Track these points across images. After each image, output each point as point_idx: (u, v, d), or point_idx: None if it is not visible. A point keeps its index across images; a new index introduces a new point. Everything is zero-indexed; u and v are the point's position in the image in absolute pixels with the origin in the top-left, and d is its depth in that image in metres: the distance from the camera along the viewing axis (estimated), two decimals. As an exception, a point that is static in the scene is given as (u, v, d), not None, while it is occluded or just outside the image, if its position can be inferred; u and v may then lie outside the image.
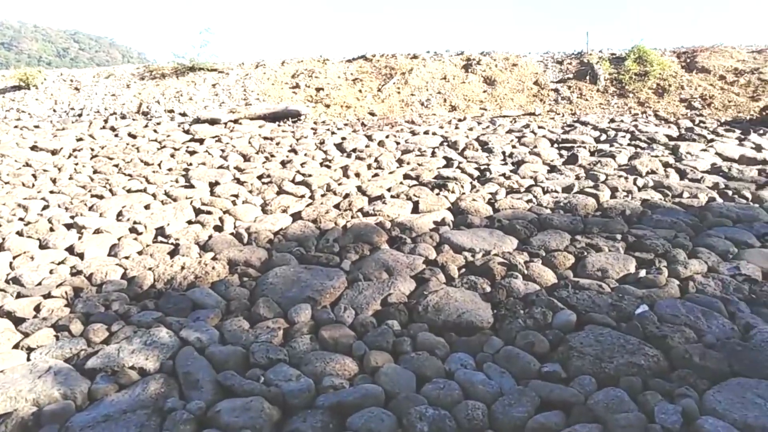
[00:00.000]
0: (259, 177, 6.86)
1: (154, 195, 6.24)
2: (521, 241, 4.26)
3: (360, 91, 12.11)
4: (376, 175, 6.67)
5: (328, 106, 11.59)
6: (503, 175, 6.20)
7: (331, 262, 4.10)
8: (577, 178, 5.85)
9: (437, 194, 5.54)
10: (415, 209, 5.26)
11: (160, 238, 4.90)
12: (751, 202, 4.75)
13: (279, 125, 10.95)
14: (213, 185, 6.56)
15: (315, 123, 10.70)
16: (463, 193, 5.62)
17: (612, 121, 8.90)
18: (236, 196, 6.10)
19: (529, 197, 5.26)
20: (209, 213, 5.46)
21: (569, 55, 12.48)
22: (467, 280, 3.63)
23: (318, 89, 12.47)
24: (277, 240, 4.71)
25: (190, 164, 7.68)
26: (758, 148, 6.62)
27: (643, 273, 3.49)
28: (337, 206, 5.50)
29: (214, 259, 4.33)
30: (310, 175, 6.67)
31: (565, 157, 6.80)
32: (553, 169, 6.33)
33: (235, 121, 11.31)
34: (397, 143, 8.29)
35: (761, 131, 7.50)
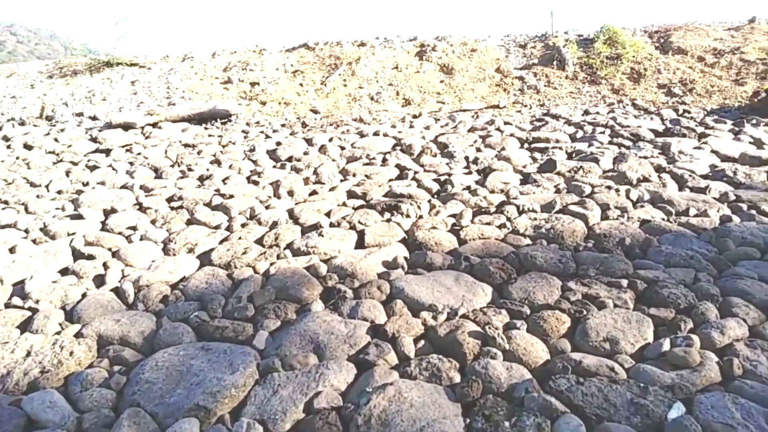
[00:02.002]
0: (169, 200, 5.74)
1: (26, 231, 5.01)
2: (497, 290, 3.35)
3: (301, 84, 11.01)
4: (314, 192, 5.65)
5: (264, 103, 10.46)
6: (468, 188, 5.29)
7: (240, 335, 3.08)
8: (557, 190, 5.00)
9: (388, 220, 4.58)
10: (360, 243, 4.28)
11: (15, 300, 3.75)
12: (776, 220, 3.98)
13: (206, 128, 9.76)
14: (108, 214, 5.38)
15: (248, 124, 9.56)
16: (420, 217, 4.68)
17: (586, 113, 8.14)
18: (134, 228, 4.97)
19: (501, 220, 4.36)
20: (91, 257, 4.30)
21: (533, 38, 11.72)
22: (427, 365, 2.68)
23: (253, 84, 11.30)
24: (173, 298, 3.63)
25: (86, 184, 6.46)
26: (759, 143, 5.94)
27: (667, 344, 2.62)
28: (260, 241, 4.46)
29: (78, 334, 3.22)
30: (231, 196, 5.60)
31: (540, 161, 5.95)
32: (526, 178, 5.46)
33: (154, 125, 10.03)
34: (342, 148, 7.28)
35: (754, 121, 6.86)
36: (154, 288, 3.73)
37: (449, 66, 10.81)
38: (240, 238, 4.50)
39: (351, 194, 5.42)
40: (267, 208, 5.25)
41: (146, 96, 11.59)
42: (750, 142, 6.03)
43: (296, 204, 5.35)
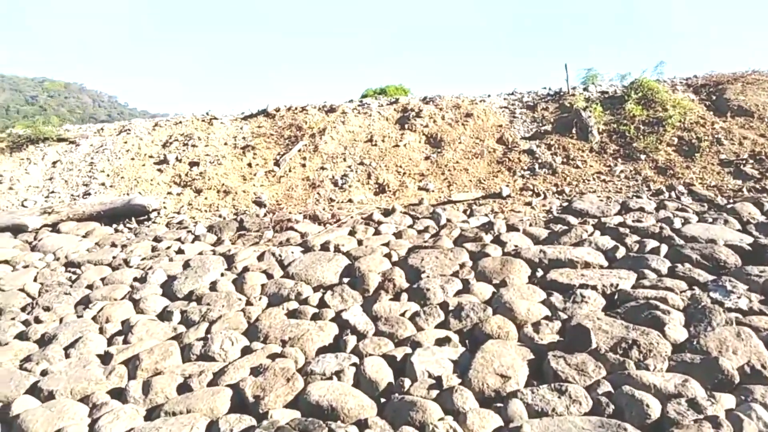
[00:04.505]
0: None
1: None
2: None
3: (249, 165, 9.16)
4: (185, 385, 3.61)
5: (199, 191, 8.58)
6: (437, 385, 3.22)
7: None
8: (596, 406, 2.89)
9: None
10: None
11: None
12: None
13: (116, 230, 7.87)
14: None
15: (168, 225, 7.65)
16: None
17: (625, 208, 6.09)
18: None
19: None
20: None
21: (544, 97, 9.84)
22: None
23: (192, 164, 9.49)
24: None
25: None
26: None
27: None
28: None
29: None
30: (50, 395, 3.60)
31: (561, 312, 3.90)
32: (540, 362, 3.37)
33: (53, 226, 8.18)
34: (269, 276, 5.30)
35: None
36: None
37: (437, 136, 8.92)
38: None
39: (236, 401, 3.34)
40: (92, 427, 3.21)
41: (62, 183, 9.81)
42: None
43: (145, 414, 3.33)
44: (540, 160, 7.78)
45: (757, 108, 7.85)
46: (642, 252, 4.84)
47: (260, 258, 5.82)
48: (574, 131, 8.25)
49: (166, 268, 5.75)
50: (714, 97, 8.49)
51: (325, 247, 5.85)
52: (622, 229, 5.38)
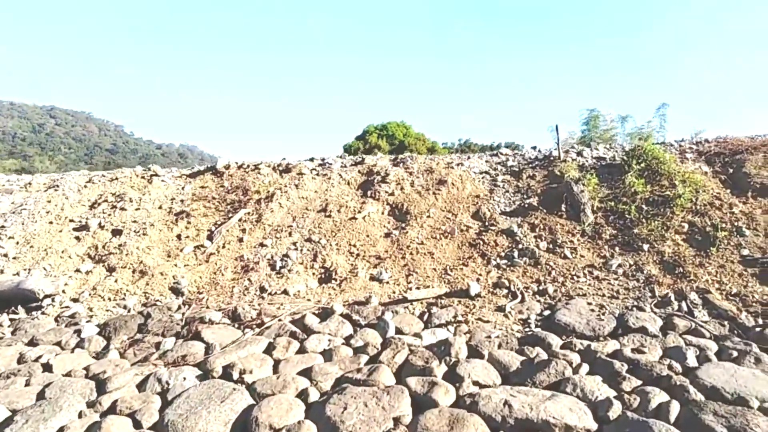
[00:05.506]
0: None
1: None
2: None
3: (179, 236, 7.94)
4: None
5: (112, 269, 7.33)
6: None
7: None
8: None
9: None
10: None
11: None
12: None
13: (-3, 321, 6.61)
14: None
15: (57, 319, 6.39)
16: None
17: (623, 326, 4.83)
18: None
19: None
20: None
21: (531, 162, 8.71)
22: None
23: (115, 232, 8.28)
24: None
25: None
26: None
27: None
28: None
29: None
30: None
31: None
32: None
33: (-76, 314, 6.92)
34: (136, 425, 4.00)
35: None
36: None
37: (403, 207, 7.76)
38: None
39: None
40: None
41: (-39, 252, 8.55)
42: None
43: None
44: (521, 245, 6.57)
45: (786, 187, 6.69)
46: (644, 410, 3.59)
47: (140, 386, 4.54)
48: (563, 207, 7.08)
49: (13, 399, 4.44)
50: (731, 170, 7.34)
51: (227, 372, 4.58)
52: (617, 365, 4.13)
